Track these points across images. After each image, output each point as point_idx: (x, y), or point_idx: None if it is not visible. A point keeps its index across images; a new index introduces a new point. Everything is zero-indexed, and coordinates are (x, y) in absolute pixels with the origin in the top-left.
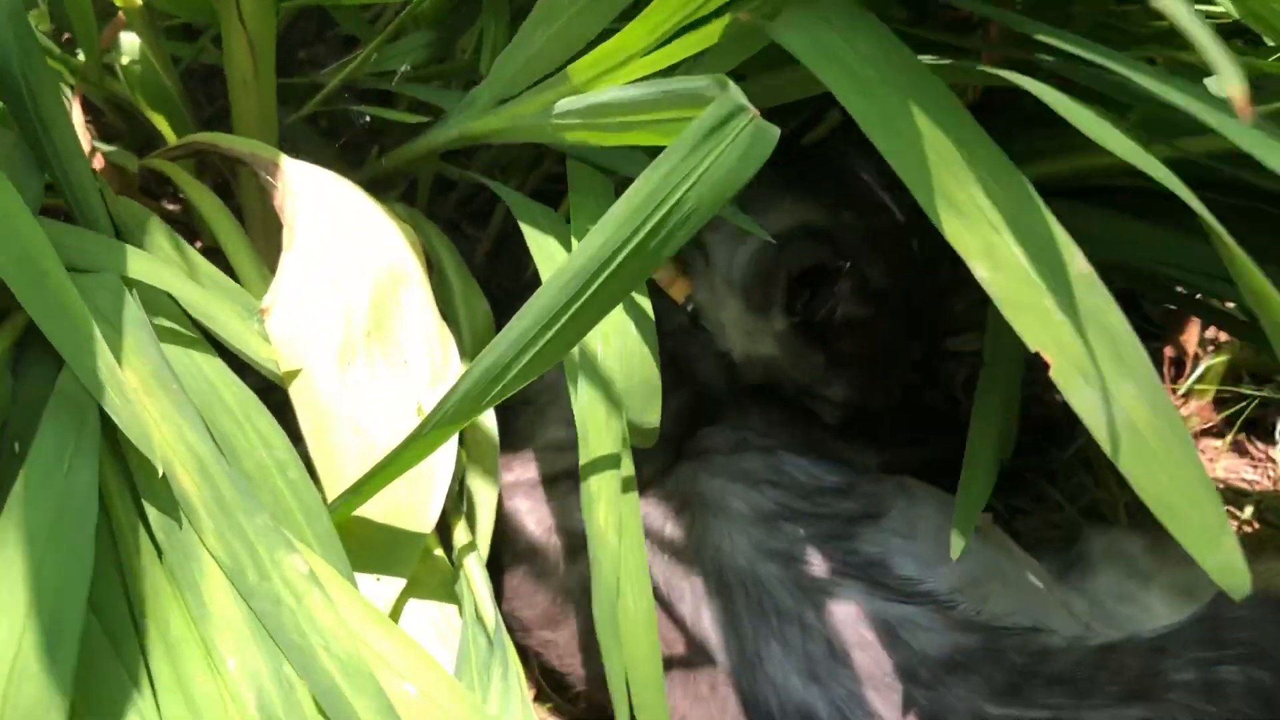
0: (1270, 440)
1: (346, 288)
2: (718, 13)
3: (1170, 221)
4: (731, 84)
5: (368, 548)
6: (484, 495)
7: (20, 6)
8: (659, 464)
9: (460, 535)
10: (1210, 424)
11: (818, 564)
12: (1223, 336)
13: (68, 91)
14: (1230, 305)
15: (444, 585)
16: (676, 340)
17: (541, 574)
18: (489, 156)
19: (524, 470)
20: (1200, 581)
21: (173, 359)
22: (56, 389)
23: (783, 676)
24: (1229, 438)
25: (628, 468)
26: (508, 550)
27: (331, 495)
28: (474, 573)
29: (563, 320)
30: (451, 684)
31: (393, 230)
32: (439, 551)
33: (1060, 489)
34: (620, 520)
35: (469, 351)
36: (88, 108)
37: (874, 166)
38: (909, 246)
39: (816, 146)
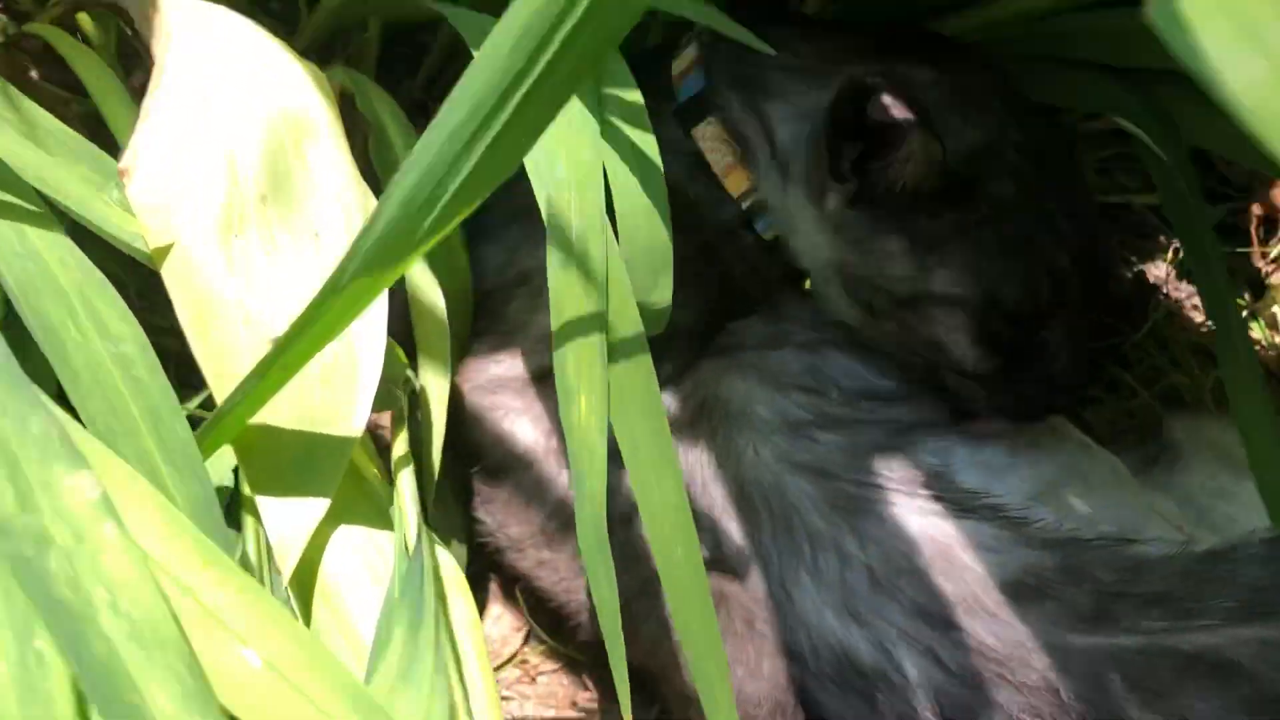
0: None
1: (231, 139)
2: None
3: None
4: None
5: (276, 465)
6: (435, 390)
7: None
8: (677, 363)
9: (401, 446)
10: None
11: (859, 478)
12: None
13: None
14: None
15: (381, 509)
16: (718, 235)
17: (536, 484)
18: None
19: (514, 364)
20: None
21: None
22: None
23: (816, 614)
24: None
25: (637, 353)
26: (493, 457)
27: (222, 399)
28: (405, 492)
29: (509, 109)
30: (315, 651)
31: (295, 70)
32: (375, 469)
33: (1134, 374)
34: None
35: None
36: None
37: None
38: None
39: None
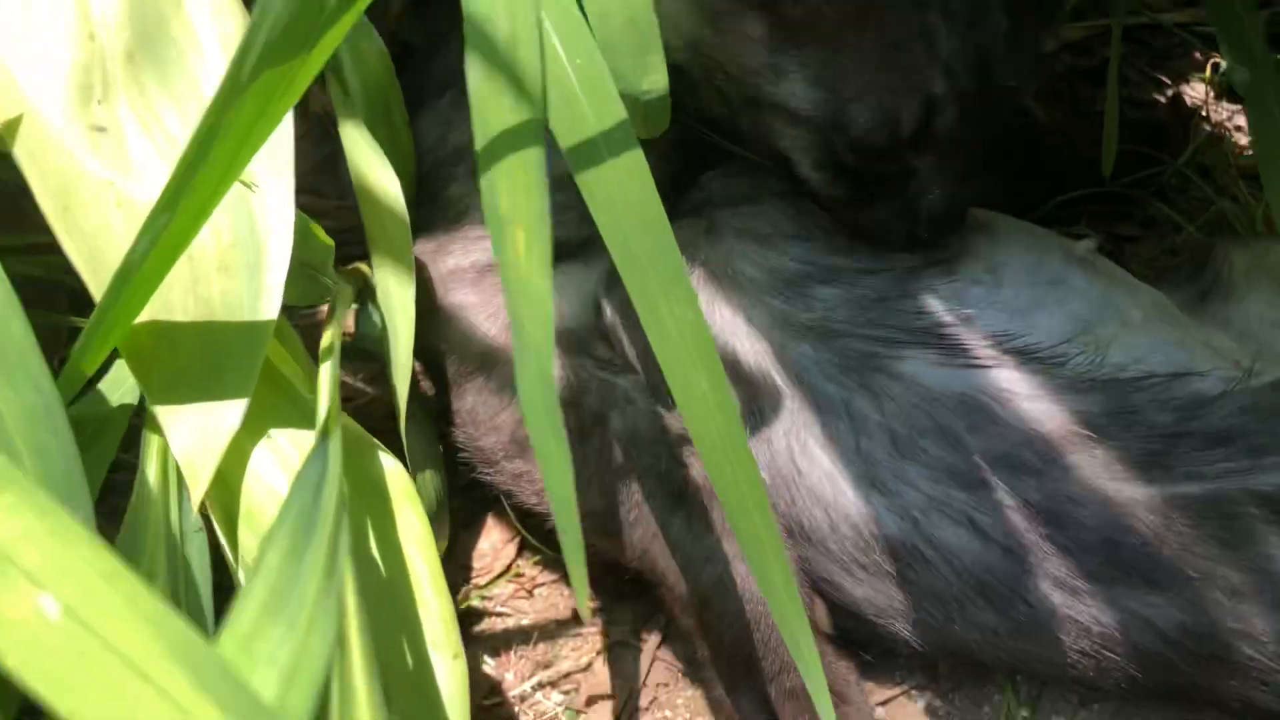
0: None
1: None
2: None
3: None
4: None
5: (176, 369)
6: (396, 288)
7: None
8: None
9: (328, 338)
10: None
11: (868, 333)
12: None
13: None
14: None
15: (307, 410)
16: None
17: (503, 386)
18: None
19: (465, 254)
20: None
21: None
22: None
23: (831, 489)
24: None
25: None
26: (454, 362)
27: (99, 297)
28: (323, 388)
29: None
30: (135, 595)
31: None
32: (295, 364)
33: (1175, 207)
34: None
35: (359, 107)
36: None
37: None
38: None
39: None
